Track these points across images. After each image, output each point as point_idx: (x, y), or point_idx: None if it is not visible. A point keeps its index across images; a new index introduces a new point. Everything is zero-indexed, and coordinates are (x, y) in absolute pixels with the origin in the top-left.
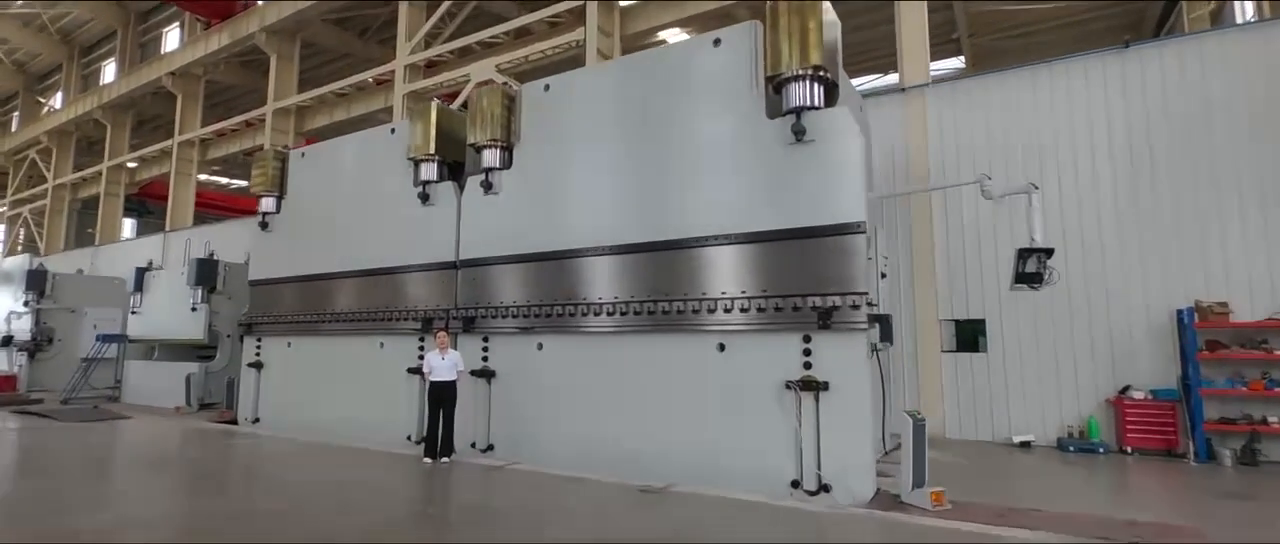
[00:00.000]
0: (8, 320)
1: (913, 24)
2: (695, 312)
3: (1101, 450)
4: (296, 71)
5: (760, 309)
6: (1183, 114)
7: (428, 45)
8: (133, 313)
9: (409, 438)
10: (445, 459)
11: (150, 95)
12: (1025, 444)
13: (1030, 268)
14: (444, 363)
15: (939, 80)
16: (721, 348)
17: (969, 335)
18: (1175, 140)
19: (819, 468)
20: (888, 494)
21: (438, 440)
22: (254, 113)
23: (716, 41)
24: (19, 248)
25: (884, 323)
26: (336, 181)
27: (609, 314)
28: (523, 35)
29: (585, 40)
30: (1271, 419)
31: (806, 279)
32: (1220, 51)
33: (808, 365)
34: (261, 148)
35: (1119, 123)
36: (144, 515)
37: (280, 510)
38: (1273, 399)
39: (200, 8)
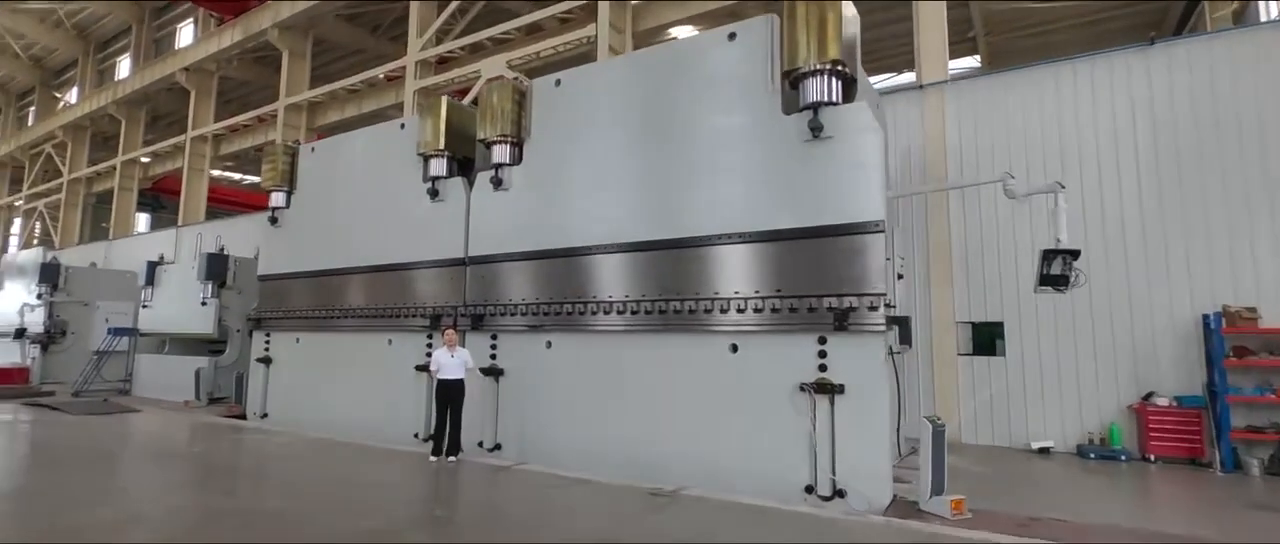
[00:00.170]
0: (21, 313)
1: (931, 20)
2: (707, 311)
3: (1123, 458)
4: (308, 68)
5: (774, 310)
6: (1209, 113)
7: (439, 41)
8: (144, 307)
9: (416, 435)
10: (452, 458)
11: (164, 91)
12: (1044, 450)
13: (1055, 270)
14: (453, 361)
15: (958, 78)
16: (734, 348)
17: (986, 338)
18: (1202, 140)
19: (833, 473)
20: (904, 501)
21: (445, 439)
22: (266, 108)
23: (731, 36)
24: (34, 241)
25: (902, 325)
26: (346, 177)
27: (619, 313)
28: (534, 32)
29: (597, 36)
30: None
31: (822, 279)
32: (1249, 49)
33: (823, 368)
34: (273, 143)
35: (1144, 121)
36: (147, 512)
37: (285, 509)
38: None
39: (214, 4)
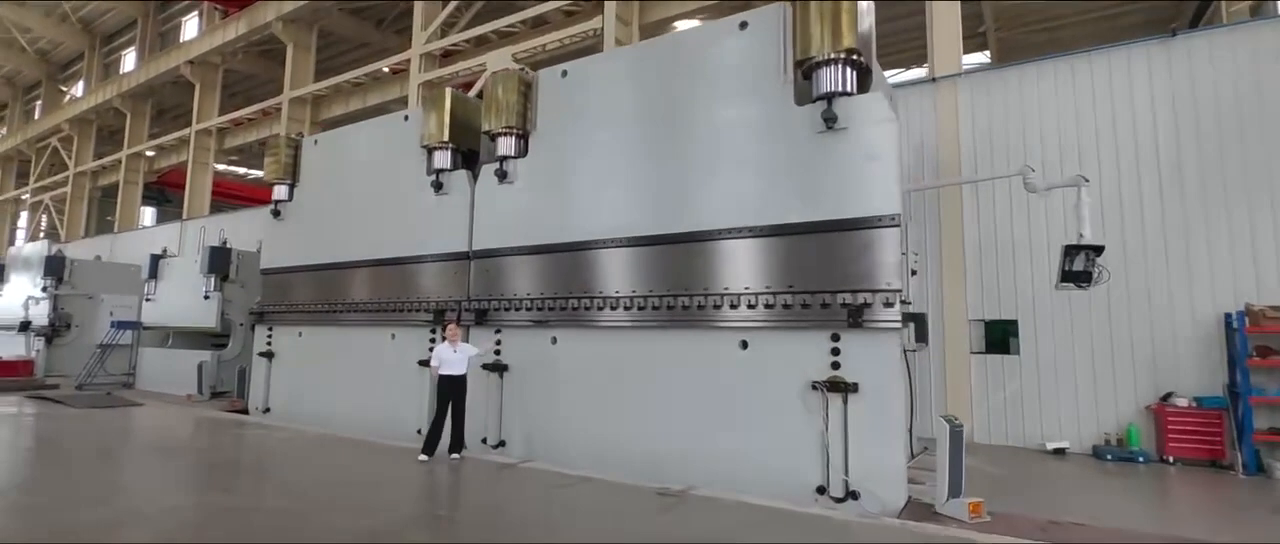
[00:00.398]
0: (26, 306)
1: (945, 13)
2: (716, 307)
3: (1141, 460)
4: (313, 61)
5: (786, 306)
6: (1232, 107)
7: (443, 35)
8: (147, 300)
9: (419, 432)
10: (456, 455)
11: (169, 84)
12: (1059, 451)
13: (1078, 266)
14: (455, 356)
15: (972, 71)
16: (744, 345)
17: (999, 336)
18: (1224, 134)
19: (846, 474)
20: (920, 503)
21: (439, 437)
22: (270, 102)
23: (743, 24)
24: (41, 235)
25: (918, 322)
26: (349, 169)
27: (626, 308)
28: (539, 25)
29: (603, 29)
30: None
31: (835, 275)
32: (1274, 41)
33: (836, 365)
34: (277, 136)
35: (1164, 115)
36: (146, 509)
37: (285, 508)
38: None
39: None
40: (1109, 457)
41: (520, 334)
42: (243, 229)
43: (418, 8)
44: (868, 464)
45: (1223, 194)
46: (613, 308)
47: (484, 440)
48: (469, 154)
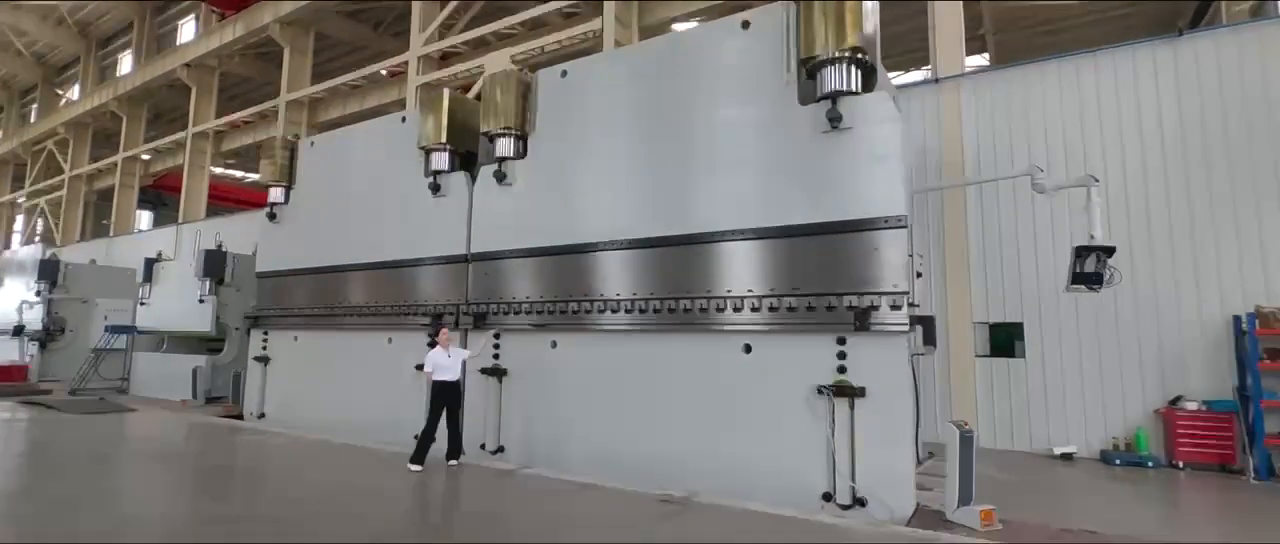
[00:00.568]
0: (20, 310)
1: (948, 13)
2: (719, 310)
3: (1150, 465)
4: (310, 63)
5: (790, 308)
6: (1240, 107)
7: (441, 36)
8: (142, 304)
9: (416, 437)
10: (454, 462)
11: (166, 87)
12: (1067, 456)
13: (1089, 267)
14: (449, 360)
15: (975, 72)
16: (747, 349)
17: (1004, 339)
18: (1232, 134)
19: (853, 480)
20: (929, 510)
21: (429, 446)
22: (267, 104)
23: (744, 23)
24: (36, 239)
25: (927, 325)
26: (346, 172)
27: (627, 311)
28: (537, 27)
29: (603, 30)
30: None
31: (841, 277)
32: None
33: (842, 369)
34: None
35: (1170, 115)
36: (137, 518)
37: (277, 516)
38: None
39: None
40: (1117, 461)
41: (519, 338)
42: (239, 232)
43: (415, 9)
44: (875, 470)
45: (1230, 194)
46: (614, 311)
47: (482, 446)
48: (467, 156)
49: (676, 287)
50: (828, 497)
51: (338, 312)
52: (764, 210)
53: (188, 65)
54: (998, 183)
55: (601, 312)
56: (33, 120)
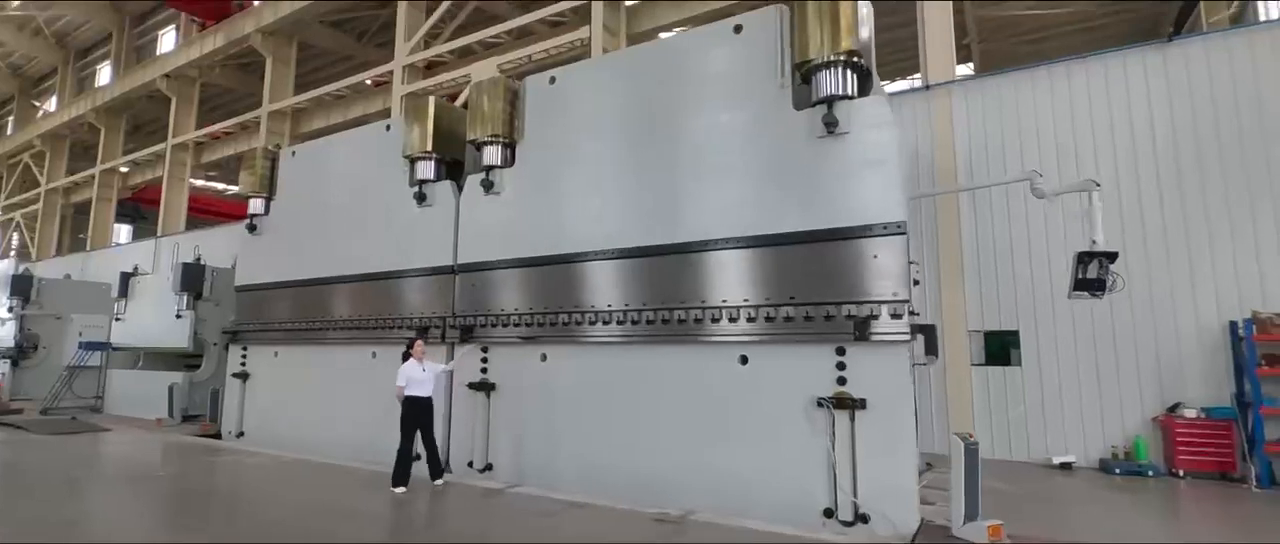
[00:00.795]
0: None
1: (937, 21)
2: (715, 320)
3: (1150, 473)
4: (293, 73)
5: (787, 318)
6: (1232, 112)
7: (427, 45)
8: (117, 319)
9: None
10: (439, 481)
11: (145, 99)
12: (1066, 465)
13: (1091, 273)
14: (423, 376)
15: (967, 78)
16: (743, 360)
17: (999, 347)
18: (1226, 139)
19: (855, 496)
20: (934, 526)
21: (409, 466)
22: (248, 115)
23: (737, 28)
24: (11, 253)
25: (929, 334)
26: (328, 182)
27: (619, 323)
28: (523, 36)
29: (590, 39)
30: None
31: (839, 285)
32: (1273, 45)
33: (842, 381)
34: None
35: (1162, 121)
36: (107, 541)
37: (256, 541)
38: None
39: (196, 8)
40: (1117, 471)
41: (508, 351)
42: (219, 245)
43: (401, 15)
44: (878, 485)
45: (1223, 199)
46: (606, 322)
47: (470, 464)
48: (453, 164)
49: (671, 297)
50: (829, 513)
51: (320, 325)
52: (759, 218)
53: (168, 76)
54: (991, 189)
55: (593, 323)
56: (9, 132)
